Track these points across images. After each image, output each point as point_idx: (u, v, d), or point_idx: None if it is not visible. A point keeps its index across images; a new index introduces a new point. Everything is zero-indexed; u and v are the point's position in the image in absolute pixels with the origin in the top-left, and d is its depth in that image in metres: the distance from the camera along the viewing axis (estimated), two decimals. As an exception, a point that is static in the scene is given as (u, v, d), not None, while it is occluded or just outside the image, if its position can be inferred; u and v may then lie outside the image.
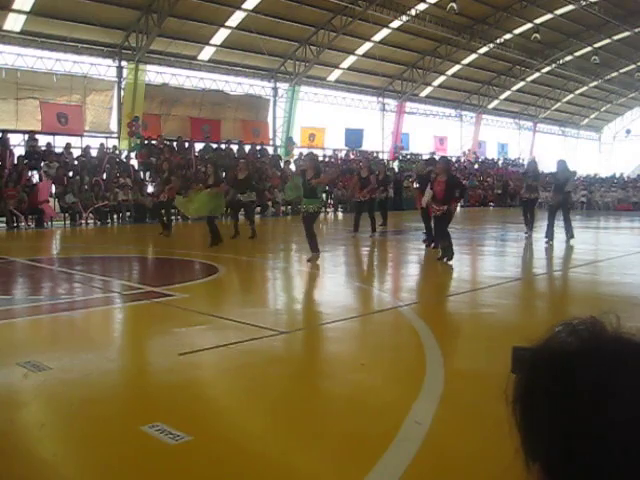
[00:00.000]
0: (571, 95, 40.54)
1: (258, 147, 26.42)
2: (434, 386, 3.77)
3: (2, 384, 3.88)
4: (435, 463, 2.84)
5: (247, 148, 25.82)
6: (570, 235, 12.61)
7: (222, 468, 2.78)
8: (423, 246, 11.91)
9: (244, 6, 22.85)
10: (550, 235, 12.62)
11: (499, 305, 6.79)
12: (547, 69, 35.41)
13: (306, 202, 9.79)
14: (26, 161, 19.00)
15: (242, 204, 13.84)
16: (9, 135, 19.53)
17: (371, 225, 14.31)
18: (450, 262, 9.53)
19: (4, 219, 16.94)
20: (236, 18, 23.28)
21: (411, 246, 12.92)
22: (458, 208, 30.01)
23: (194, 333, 5.17)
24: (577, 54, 34.23)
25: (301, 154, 26.95)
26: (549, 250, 11.96)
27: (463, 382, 3.95)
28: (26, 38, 20.06)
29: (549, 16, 29.31)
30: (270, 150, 27.65)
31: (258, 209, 22.74)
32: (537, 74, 36.12)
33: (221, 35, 24.14)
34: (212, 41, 24.25)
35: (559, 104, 41.43)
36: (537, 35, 29.13)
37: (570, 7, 27.96)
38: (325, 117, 30.16)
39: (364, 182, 14.36)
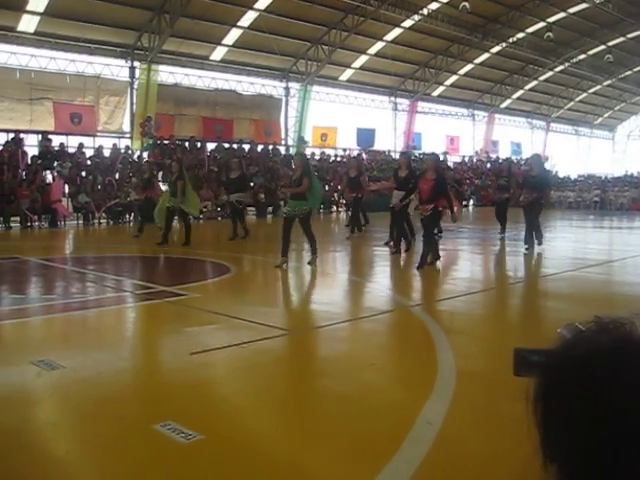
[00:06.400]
0: (584, 94, 40.21)
1: (270, 147, 26.45)
2: (445, 386, 3.75)
3: (16, 382, 3.91)
4: (446, 464, 2.83)
5: (260, 148, 25.86)
6: (539, 241, 11.27)
7: (233, 467, 2.79)
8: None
9: (256, 6, 22.87)
10: (528, 241, 11.09)
11: (512, 305, 6.75)
12: (560, 68, 35.12)
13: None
14: (40, 161, 19.14)
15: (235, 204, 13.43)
16: (23, 135, 19.70)
17: (353, 224, 14.21)
18: (437, 263, 9.27)
19: (18, 219, 17.07)
20: (248, 18, 23.32)
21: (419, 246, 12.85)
22: (470, 208, 30.11)
23: (206, 332, 5.19)
24: (590, 53, 33.94)
25: (313, 154, 26.98)
26: (559, 251, 11.88)
27: (475, 382, 3.93)
28: (40, 39, 20.21)
29: (562, 14, 29.09)
30: (282, 150, 27.67)
31: (270, 209, 22.82)
32: (550, 73, 35.85)
33: (233, 35, 24.19)
34: (224, 41, 24.30)
35: (572, 103, 41.11)
36: (550, 34, 28.93)
37: (583, 5, 27.73)
38: (337, 116, 30.14)
39: (353, 182, 14.27)
